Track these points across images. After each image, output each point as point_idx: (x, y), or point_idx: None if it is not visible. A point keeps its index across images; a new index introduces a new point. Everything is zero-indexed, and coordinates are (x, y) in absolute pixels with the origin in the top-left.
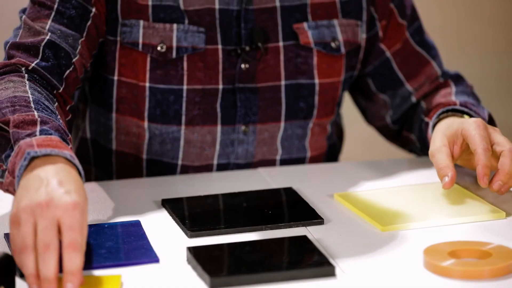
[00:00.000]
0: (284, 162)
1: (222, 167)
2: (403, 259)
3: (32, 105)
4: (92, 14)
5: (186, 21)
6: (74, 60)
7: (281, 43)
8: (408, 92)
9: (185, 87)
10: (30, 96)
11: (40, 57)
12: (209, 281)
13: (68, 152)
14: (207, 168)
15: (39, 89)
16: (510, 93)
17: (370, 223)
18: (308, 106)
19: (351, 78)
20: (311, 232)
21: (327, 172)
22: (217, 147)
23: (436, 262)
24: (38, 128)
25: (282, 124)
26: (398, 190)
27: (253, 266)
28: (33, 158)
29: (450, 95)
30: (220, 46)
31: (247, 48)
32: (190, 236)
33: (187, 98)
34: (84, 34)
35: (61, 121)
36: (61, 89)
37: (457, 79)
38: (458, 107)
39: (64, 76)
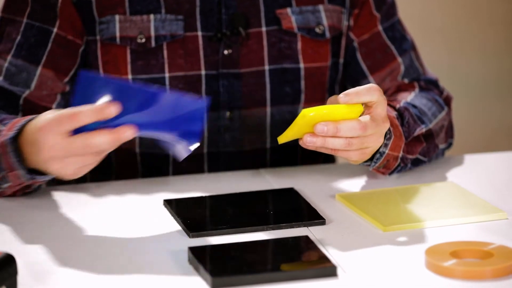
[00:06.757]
0: (275, 150)
1: (212, 157)
2: (405, 259)
3: None
4: (53, 36)
5: (163, 11)
6: (25, 95)
7: (264, 28)
8: None
9: (167, 75)
10: None
11: None
12: (210, 281)
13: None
14: (198, 158)
15: None
16: (510, 93)
17: (372, 224)
18: (294, 91)
19: (337, 65)
20: (313, 232)
21: (329, 172)
22: (205, 133)
23: (438, 262)
24: None
25: (269, 109)
26: (400, 191)
27: (255, 266)
28: (12, 139)
29: (406, 98)
30: (200, 33)
31: (228, 33)
32: (192, 236)
33: (170, 85)
34: (43, 60)
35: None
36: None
37: (428, 84)
38: (397, 106)
39: (19, 109)
